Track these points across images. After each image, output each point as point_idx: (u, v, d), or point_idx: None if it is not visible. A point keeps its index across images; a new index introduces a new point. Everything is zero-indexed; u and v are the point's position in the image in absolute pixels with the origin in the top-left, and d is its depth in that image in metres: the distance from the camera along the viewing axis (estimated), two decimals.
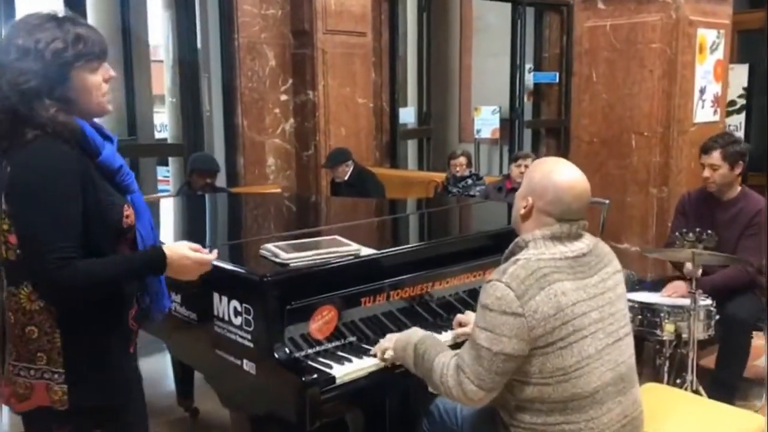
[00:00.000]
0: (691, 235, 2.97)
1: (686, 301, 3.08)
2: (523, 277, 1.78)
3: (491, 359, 1.77)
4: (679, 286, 3.34)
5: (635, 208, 4.08)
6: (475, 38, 9.85)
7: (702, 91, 4.03)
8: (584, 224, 1.92)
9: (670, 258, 3.48)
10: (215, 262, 2.26)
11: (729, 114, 7.60)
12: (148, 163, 7.27)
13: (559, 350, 1.78)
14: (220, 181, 6.27)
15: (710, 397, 3.38)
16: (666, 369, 3.33)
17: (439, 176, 5.80)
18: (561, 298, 1.78)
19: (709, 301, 3.20)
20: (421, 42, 8.16)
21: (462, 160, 5.40)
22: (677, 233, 3.05)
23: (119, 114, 6.17)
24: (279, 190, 5.70)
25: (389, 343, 2.12)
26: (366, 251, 2.32)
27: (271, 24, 6.10)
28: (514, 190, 5.13)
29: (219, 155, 6.23)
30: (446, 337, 2.33)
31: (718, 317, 3.22)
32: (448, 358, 1.90)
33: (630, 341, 1.98)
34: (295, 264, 2.16)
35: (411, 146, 8.63)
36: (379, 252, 2.36)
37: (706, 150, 3.37)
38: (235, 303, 2.16)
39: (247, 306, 2.11)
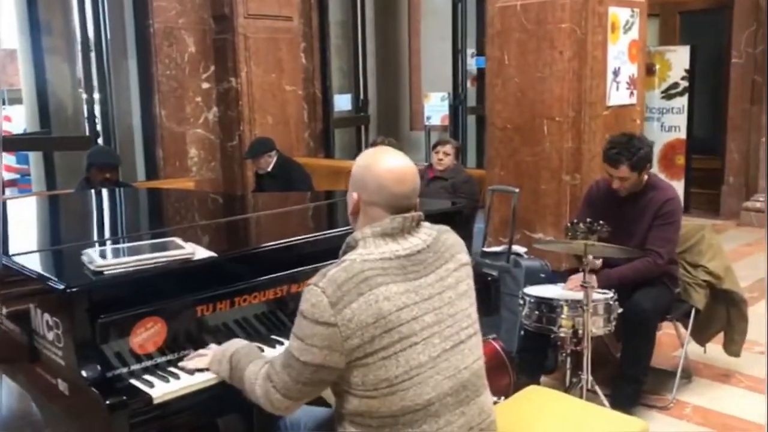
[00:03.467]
0: (581, 225, 2.80)
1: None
2: (342, 282, 1.60)
3: (300, 370, 1.64)
4: (582, 278, 3.17)
5: (549, 196, 3.90)
6: (424, 22, 9.66)
7: (616, 73, 3.85)
8: (419, 216, 1.75)
9: (563, 250, 3.32)
10: (31, 267, 2.08)
11: (671, 96, 7.52)
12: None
13: (381, 360, 1.60)
14: (140, 173, 6.04)
15: (615, 393, 3.25)
16: (568, 367, 3.18)
17: None
18: (383, 305, 1.60)
19: (609, 294, 3.04)
20: (356, 27, 7.90)
21: None
22: (568, 224, 2.88)
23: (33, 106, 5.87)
24: (192, 185, 5.46)
25: (205, 357, 1.95)
26: (202, 254, 2.11)
27: (189, 9, 5.85)
28: (437, 179, 4.98)
29: (137, 147, 5.99)
30: None
31: (621, 310, 3.06)
32: (259, 366, 1.77)
33: (475, 343, 1.78)
34: (110, 271, 1.95)
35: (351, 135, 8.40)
36: (215, 256, 2.14)
37: (612, 163, 3.15)
38: (47, 316, 1.94)
39: (56, 320, 1.90)
